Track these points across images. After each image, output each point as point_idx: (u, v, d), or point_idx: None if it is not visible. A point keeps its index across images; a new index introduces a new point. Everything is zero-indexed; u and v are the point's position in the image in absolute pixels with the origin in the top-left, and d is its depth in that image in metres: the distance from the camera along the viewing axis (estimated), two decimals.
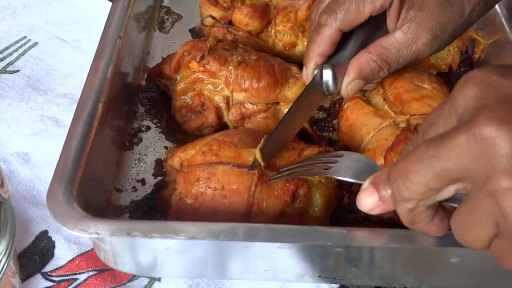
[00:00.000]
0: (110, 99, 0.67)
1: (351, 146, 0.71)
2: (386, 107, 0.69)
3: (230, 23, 0.82)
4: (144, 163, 0.71)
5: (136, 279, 0.61)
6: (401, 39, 0.62)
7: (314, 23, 0.65)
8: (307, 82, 0.66)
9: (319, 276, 0.59)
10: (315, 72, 0.64)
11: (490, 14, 0.83)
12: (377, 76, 0.65)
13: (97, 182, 0.63)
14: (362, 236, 0.54)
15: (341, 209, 0.68)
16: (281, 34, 0.82)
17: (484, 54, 0.83)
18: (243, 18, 0.80)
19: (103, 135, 0.65)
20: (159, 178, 0.69)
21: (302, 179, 0.61)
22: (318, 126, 0.77)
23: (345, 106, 0.73)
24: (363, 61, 0.63)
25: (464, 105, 0.41)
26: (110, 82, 0.68)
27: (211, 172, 0.60)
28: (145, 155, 0.72)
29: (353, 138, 0.71)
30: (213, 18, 0.81)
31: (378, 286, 0.62)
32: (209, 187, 0.59)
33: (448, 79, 0.81)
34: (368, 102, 0.72)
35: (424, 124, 0.46)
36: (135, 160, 0.71)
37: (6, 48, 0.85)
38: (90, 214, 0.54)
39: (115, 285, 0.60)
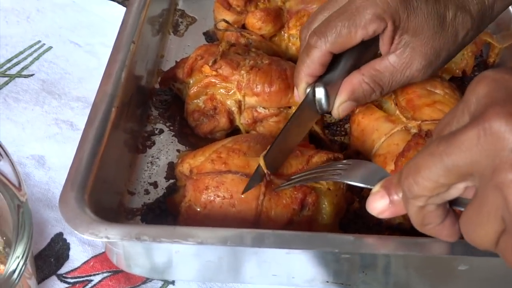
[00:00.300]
0: (123, 103, 0.68)
1: (362, 150, 0.71)
2: (397, 112, 0.69)
3: (244, 27, 0.83)
4: (156, 166, 0.72)
5: (150, 281, 0.62)
6: (395, 63, 0.62)
7: (304, 43, 0.65)
8: (299, 101, 0.66)
9: (327, 282, 0.59)
10: (308, 90, 0.64)
11: (504, 18, 0.83)
12: (368, 99, 0.65)
13: (110, 185, 0.64)
14: (369, 243, 0.54)
15: (351, 214, 0.68)
16: (294, 38, 0.82)
17: (498, 58, 0.83)
18: (256, 22, 0.81)
19: (116, 138, 0.66)
20: (171, 181, 0.70)
21: (310, 187, 0.61)
22: (330, 130, 0.77)
23: (357, 110, 0.73)
24: (356, 82, 0.63)
25: (476, 103, 0.42)
26: (124, 87, 0.69)
27: (220, 181, 0.60)
28: (157, 158, 0.73)
29: (365, 142, 0.71)
30: (227, 22, 0.82)
31: None
32: (218, 196, 0.60)
33: (462, 83, 0.81)
34: (380, 107, 0.72)
35: (439, 126, 0.46)
36: (147, 163, 0.72)
37: (21, 53, 0.86)
38: (101, 217, 0.55)
39: (129, 287, 0.61)
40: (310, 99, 0.64)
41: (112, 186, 0.66)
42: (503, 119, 0.38)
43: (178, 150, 0.74)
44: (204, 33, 0.91)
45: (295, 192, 0.60)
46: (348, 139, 0.75)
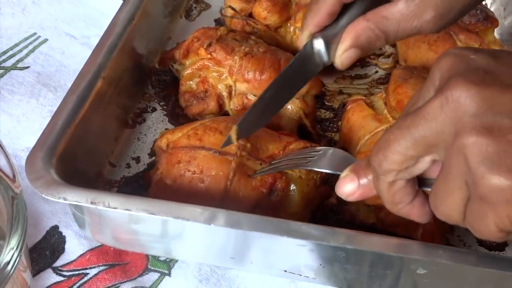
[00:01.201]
0: (113, 75, 0.69)
1: (348, 147, 0.70)
2: (385, 111, 0.68)
3: (251, 15, 0.83)
4: (142, 142, 0.73)
5: (147, 273, 0.62)
6: (403, 10, 0.56)
7: None
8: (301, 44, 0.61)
9: (285, 271, 0.58)
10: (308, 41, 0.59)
11: None
12: (373, 46, 0.59)
13: (89, 153, 0.66)
14: (323, 234, 0.53)
15: (327, 209, 0.67)
16: (300, 31, 0.82)
17: None
18: (262, 11, 0.81)
19: (102, 109, 0.67)
20: (153, 158, 0.71)
21: (281, 172, 0.61)
22: (322, 126, 0.77)
23: (349, 107, 0.72)
24: (360, 28, 0.58)
25: (440, 77, 0.43)
26: (115, 60, 0.69)
27: (192, 156, 0.61)
28: (145, 135, 0.74)
29: (351, 140, 0.70)
30: (233, 9, 0.82)
31: None
32: (188, 170, 0.60)
33: None
34: (371, 105, 0.71)
35: (407, 106, 0.48)
36: (134, 138, 0.73)
37: (16, 45, 0.86)
38: (72, 183, 0.56)
39: (125, 280, 0.61)
40: (307, 51, 0.59)
41: (92, 156, 0.67)
42: (464, 87, 0.40)
43: (167, 129, 0.74)
44: (215, 20, 0.92)
45: (266, 176, 0.60)
46: (338, 136, 0.75)
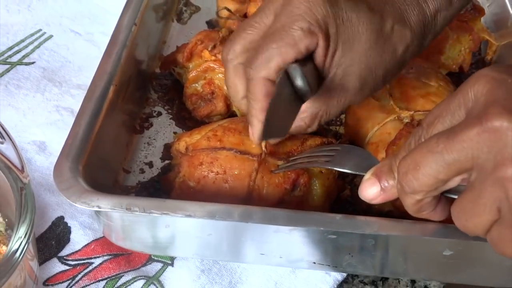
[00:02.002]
0: (122, 83, 0.69)
1: (356, 139, 0.72)
2: (391, 102, 0.70)
3: (246, 16, 0.84)
4: (153, 146, 0.73)
5: (150, 263, 0.63)
6: (329, 90, 0.55)
7: (227, 64, 0.59)
8: (256, 141, 0.61)
9: (314, 263, 0.60)
10: (278, 78, 0.54)
11: (503, 16, 0.84)
12: (303, 131, 0.59)
13: (105, 162, 0.66)
14: (355, 223, 0.55)
15: (343, 201, 0.69)
16: None
17: (496, 55, 0.84)
18: None
19: (113, 117, 0.67)
20: (167, 161, 0.71)
21: (303, 168, 0.62)
22: None
23: None
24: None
25: (475, 100, 0.43)
26: (123, 67, 0.70)
27: (214, 157, 0.62)
28: (154, 139, 0.74)
29: (359, 132, 0.72)
30: (228, 10, 0.83)
31: (385, 278, 0.63)
32: (212, 171, 0.61)
33: (459, 80, 0.82)
34: (375, 97, 0.73)
35: (429, 117, 0.47)
36: (144, 143, 0.74)
37: (22, 41, 0.87)
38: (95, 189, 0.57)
39: (129, 269, 0.62)
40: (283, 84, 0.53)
41: (107, 163, 0.67)
42: (504, 117, 0.40)
43: (175, 133, 0.75)
44: (207, 22, 0.92)
45: (288, 172, 0.61)
46: (343, 129, 0.76)
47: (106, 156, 0.66)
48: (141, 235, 0.59)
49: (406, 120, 0.67)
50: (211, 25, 0.92)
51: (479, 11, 0.81)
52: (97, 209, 0.54)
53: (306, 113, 0.57)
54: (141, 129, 0.75)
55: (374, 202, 0.52)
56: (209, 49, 0.73)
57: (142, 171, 0.70)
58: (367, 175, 0.52)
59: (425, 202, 0.47)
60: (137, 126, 0.75)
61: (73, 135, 0.60)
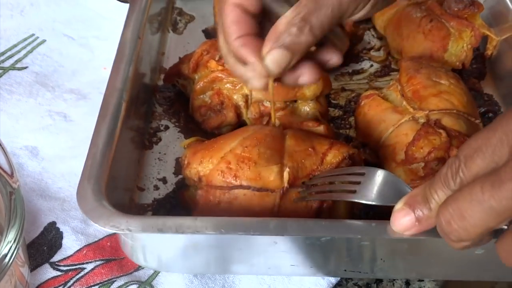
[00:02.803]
0: (132, 98, 0.68)
1: (369, 142, 0.71)
2: (404, 103, 0.70)
3: None
4: (164, 162, 0.72)
5: (142, 269, 0.62)
6: None
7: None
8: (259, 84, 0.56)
9: (345, 270, 0.59)
10: None
11: (502, 11, 0.85)
12: (298, 41, 0.53)
13: (120, 181, 0.64)
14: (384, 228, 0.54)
15: (361, 206, 0.68)
16: None
17: (496, 50, 0.84)
18: None
19: (125, 135, 0.66)
20: (180, 176, 0.70)
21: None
22: (334, 124, 0.78)
23: (362, 103, 0.73)
24: (279, 24, 0.53)
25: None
26: (131, 82, 0.68)
27: (232, 197, 0.59)
28: (165, 154, 0.73)
29: (371, 134, 0.71)
30: None
31: (379, 280, 0.63)
32: (231, 209, 0.58)
33: (461, 76, 0.82)
34: (385, 98, 0.73)
35: (467, 150, 0.44)
36: (155, 159, 0.72)
37: (15, 46, 0.86)
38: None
39: (121, 274, 0.61)
40: None
41: (122, 183, 0.65)
42: None
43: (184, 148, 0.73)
44: (203, 31, 0.91)
45: (310, 202, 0.59)
46: (354, 132, 0.76)
47: (121, 175, 0.64)
48: (168, 254, 0.58)
49: (422, 120, 0.67)
50: (208, 33, 0.91)
51: (478, 6, 0.81)
52: (127, 232, 0.52)
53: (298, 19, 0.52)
54: (150, 145, 0.73)
55: (408, 233, 0.50)
56: (216, 59, 0.72)
57: (156, 187, 0.69)
58: (399, 205, 0.50)
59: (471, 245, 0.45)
60: (146, 142, 0.73)
61: (92, 156, 0.58)
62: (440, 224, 0.44)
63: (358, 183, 0.55)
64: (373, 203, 0.53)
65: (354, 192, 0.55)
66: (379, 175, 0.55)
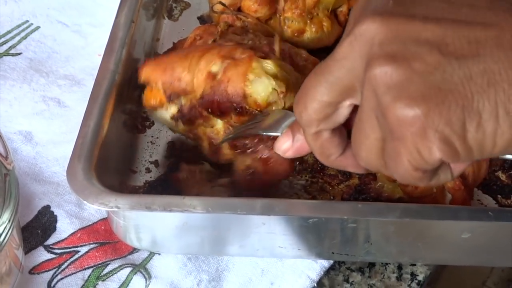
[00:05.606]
0: (124, 81, 0.68)
1: None
2: None
3: (240, 9, 0.83)
4: (157, 145, 0.72)
5: (137, 252, 0.63)
6: None
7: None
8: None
9: (333, 253, 0.60)
10: None
11: None
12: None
13: (112, 163, 0.64)
14: (376, 209, 0.55)
15: (352, 189, 0.69)
16: (289, 21, 0.83)
17: None
18: (252, 4, 0.81)
19: (117, 116, 0.66)
20: (172, 159, 0.70)
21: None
22: None
23: None
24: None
25: (353, 20, 0.41)
26: (124, 65, 0.69)
27: None
28: (157, 137, 0.73)
29: None
30: (223, 4, 0.82)
31: (372, 264, 0.63)
32: None
33: None
34: None
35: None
36: (147, 142, 0.72)
37: (9, 32, 0.87)
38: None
39: (115, 258, 0.62)
40: None
41: (114, 165, 0.65)
42: (369, 20, 0.38)
43: None
44: (199, 18, 0.91)
45: None
46: None
47: (112, 157, 0.64)
48: (157, 234, 0.59)
49: None
50: (203, 20, 0.91)
51: None
52: (116, 209, 0.52)
53: None
54: (143, 128, 0.74)
55: (286, 155, 0.50)
56: (209, 43, 0.72)
57: (148, 170, 0.69)
58: (284, 131, 0.50)
59: (324, 139, 0.43)
60: (138, 125, 0.74)
61: (83, 136, 0.59)
62: (294, 110, 0.44)
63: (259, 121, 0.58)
64: (268, 133, 0.56)
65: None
66: (278, 111, 0.58)
